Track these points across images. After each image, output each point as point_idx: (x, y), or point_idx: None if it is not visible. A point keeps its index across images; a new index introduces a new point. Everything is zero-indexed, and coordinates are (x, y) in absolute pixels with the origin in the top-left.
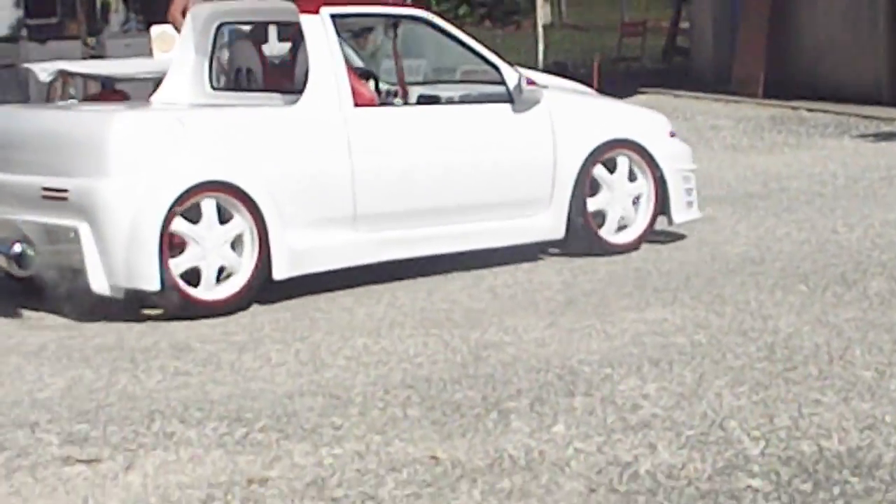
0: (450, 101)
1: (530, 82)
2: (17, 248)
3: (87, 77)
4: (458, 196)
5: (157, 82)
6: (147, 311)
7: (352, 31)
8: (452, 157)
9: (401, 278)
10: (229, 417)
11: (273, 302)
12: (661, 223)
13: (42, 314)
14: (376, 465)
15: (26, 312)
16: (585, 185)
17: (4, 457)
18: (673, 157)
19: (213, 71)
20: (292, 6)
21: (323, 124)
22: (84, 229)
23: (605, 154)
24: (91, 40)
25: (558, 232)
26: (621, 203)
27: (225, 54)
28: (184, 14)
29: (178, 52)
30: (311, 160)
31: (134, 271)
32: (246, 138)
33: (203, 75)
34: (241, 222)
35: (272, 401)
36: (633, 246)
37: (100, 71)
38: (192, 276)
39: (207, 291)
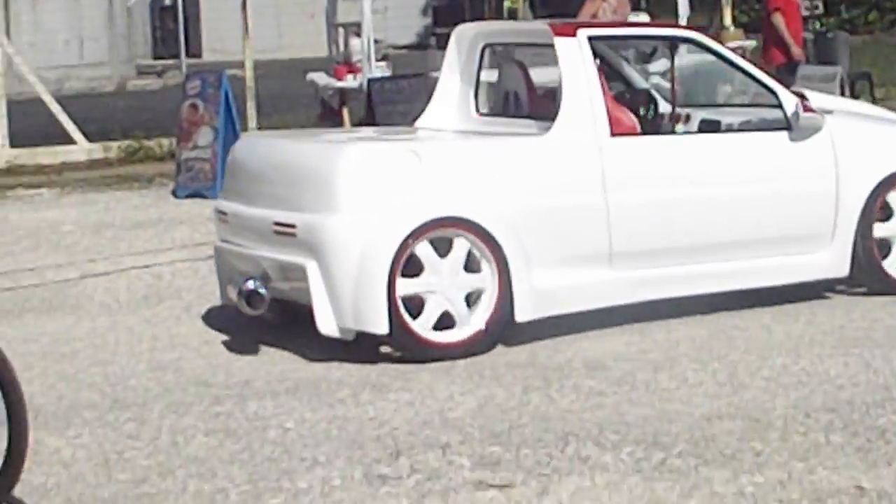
0: (729, 129)
1: (807, 108)
2: (250, 285)
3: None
4: (725, 232)
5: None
6: (384, 350)
7: (637, 52)
8: (719, 190)
9: (824, 296)
10: (646, 441)
11: (689, 315)
12: None
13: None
14: (799, 495)
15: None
16: (872, 219)
17: (415, 480)
18: None
19: (478, 95)
20: (546, 28)
21: (575, 155)
22: (311, 267)
23: (893, 186)
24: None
25: (841, 269)
26: None
27: (493, 77)
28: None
29: (443, 74)
30: (561, 194)
31: (361, 313)
32: (486, 171)
33: (469, 100)
34: (480, 260)
35: (690, 424)
36: None
37: None
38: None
39: (441, 333)
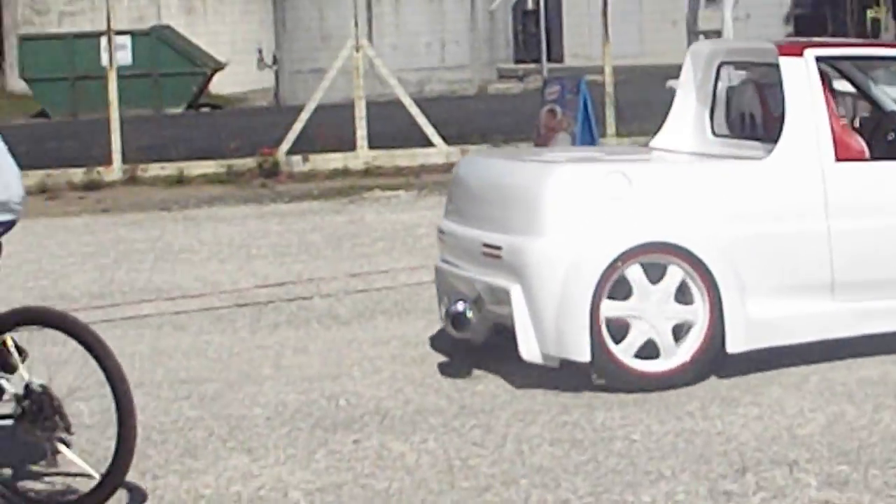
0: None
1: None
2: (459, 306)
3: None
4: None
5: None
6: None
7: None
8: None
9: None
10: None
11: None
12: None
13: None
14: None
15: None
16: None
17: (760, 497)
18: None
19: (714, 116)
20: (772, 47)
21: (796, 180)
22: (516, 291)
23: None
24: None
25: None
26: None
27: (728, 98)
28: None
29: (679, 93)
30: (780, 220)
31: (564, 340)
32: (698, 195)
33: (704, 120)
34: (692, 289)
35: None
36: None
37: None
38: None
39: (644, 362)
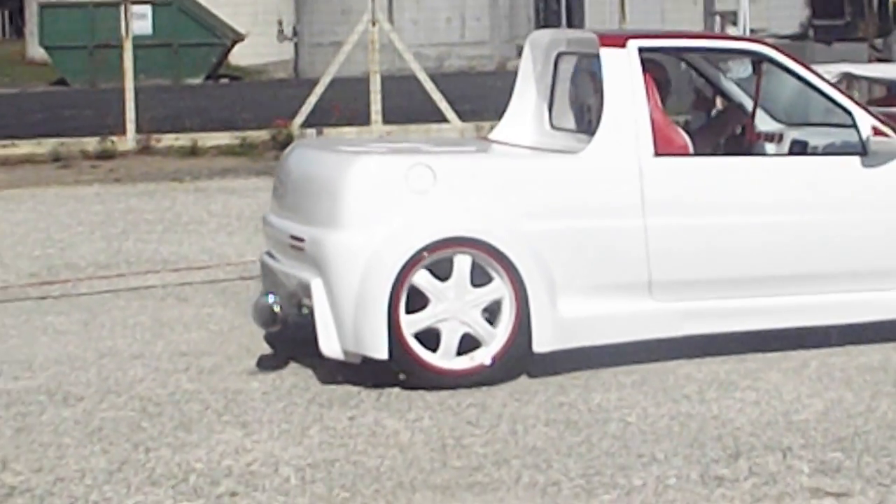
0: (814, 151)
1: (879, 132)
2: (266, 300)
3: (872, 81)
4: (783, 263)
5: None
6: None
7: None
8: (775, 217)
9: None
10: None
11: None
12: None
13: None
14: None
15: None
16: None
17: (752, 483)
18: None
19: (553, 107)
20: (593, 37)
21: (611, 175)
22: (316, 285)
23: None
24: (878, 42)
25: None
26: None
27: (567, 89)
28: None
29: (518, 84)
30: (594, 217)
31: (362, 336)
32: (508, 189)
33: (543, 112)
34: (499, 286)
35: None
36: None
37: (885, 75)
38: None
39: (448, 360)
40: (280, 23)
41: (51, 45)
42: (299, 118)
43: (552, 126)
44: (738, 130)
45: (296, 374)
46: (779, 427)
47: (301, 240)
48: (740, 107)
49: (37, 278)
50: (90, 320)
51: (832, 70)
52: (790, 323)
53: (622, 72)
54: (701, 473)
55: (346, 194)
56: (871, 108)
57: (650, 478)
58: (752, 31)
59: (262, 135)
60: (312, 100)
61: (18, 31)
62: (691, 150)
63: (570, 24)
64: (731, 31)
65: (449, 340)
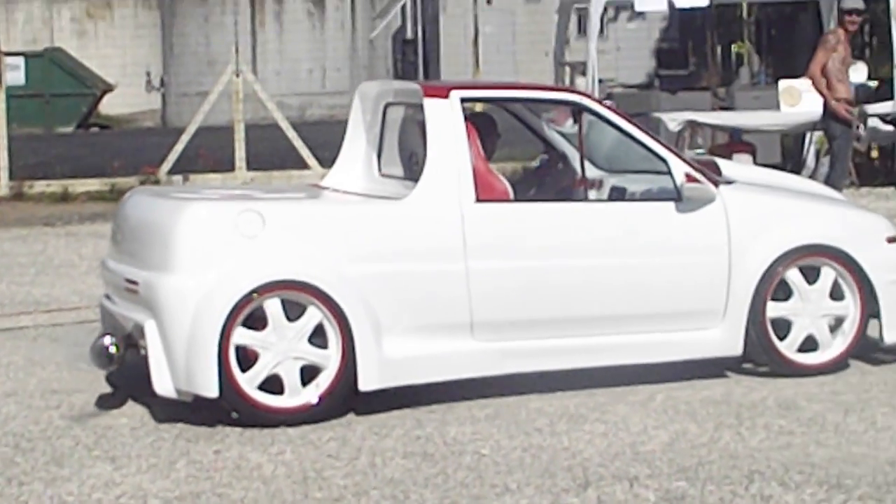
0: (632, 197)
1: (692, 178)
2: (104, 341)
3: (715, 127)
4: (601, 305)
5: (781, 135)
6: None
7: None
8: (593, 261)
9: None
10: (829, 483)
11: (886, 363)
12: None
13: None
14: None
15: None
16: (766, 296)
17: None
18: (888, 266)
19: (381, 155)
20: (418, 88)
21: (434, 220)
22: (150, 326)
23: (794, 262)
24: (721, 91)
25: (734, 348)
26: (812, 319)
27: (395, 138)
28: (824, 73)
29: (348, 132)
30: (417, 260)
31: (193, 376)
32: (333, 235)
33: (372, 160)
34: (326, 329)
35: (873, 467)
36: (825, 368)
37: (727, 122)
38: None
39: (274, 398)
40: (148, 74)
41: None
42: (166, 165)
43: (381, 173)
44: (564, 178)
45: (164, 411)
46: (626, 458)
47: (135, 283)
48: (564, 155)
49: None
50: None
51: (677, 118)
52: (609, 361)
53: (445, 121)
54: (552, 502)
55: (177, 239)
56: (686, 155)
57: None
58: (600, 81)
59: (130, 181)
60: (179, 147)
61: None
62: (511, 196)
63: (426, 75)
64: (579, 81)
65: (261, 369)
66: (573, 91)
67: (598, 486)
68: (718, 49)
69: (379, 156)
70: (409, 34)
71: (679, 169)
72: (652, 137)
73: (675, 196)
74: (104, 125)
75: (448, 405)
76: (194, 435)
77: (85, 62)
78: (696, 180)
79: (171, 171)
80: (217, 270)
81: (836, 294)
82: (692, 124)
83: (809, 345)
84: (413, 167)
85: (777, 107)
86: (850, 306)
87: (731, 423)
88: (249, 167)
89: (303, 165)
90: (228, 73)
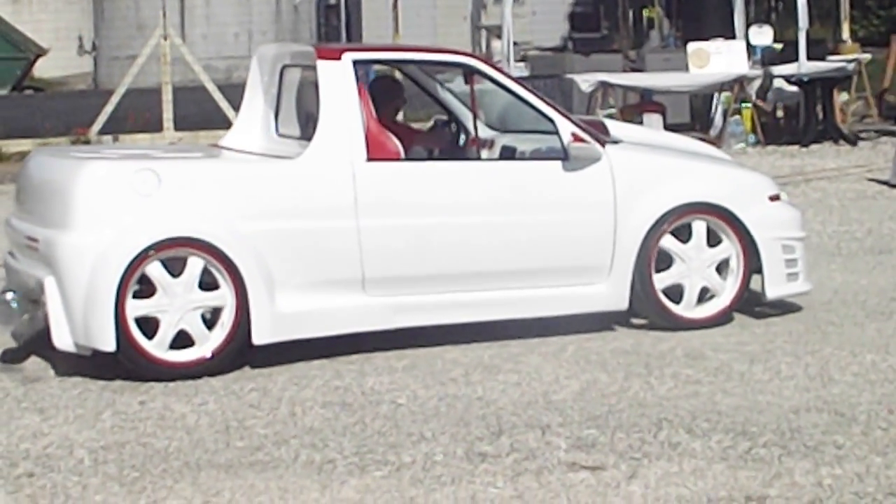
0: (522, 156)
1: (578, 138)
2: (7, 296)
3: (626, 89)
4: (489, 260)
5: (690, 96)
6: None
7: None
8: (481, 218)
9: None
10: (735, 430)
11: (788, 313)
12: None
13: None
14: (875, 489)
15: None
16: (651, 254)
17: (513, 458)
18: (769, 223)
19: (279, 116)
20: (312, 50)
21: (325, 179)
22: (49, 282)
23: (677, 220)
24: (632, 54)
25: (620, 303)
26: (700, 273)
27: (292, 99)
28: None
29: (247, 94)
30: (310, 218)
31: (91, 330)
32: (226, 193)
33: (270, 120)
34: (220, 282)
35: (778, 415)
36: (718, 319)
37: (638, 83)
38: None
39: (172, 353)
40: (80, 38)
41: None
42: (97, 126)
43: (278, 133)
44: (456, 138)
45: (89, 363)
46: (538, 406)
47: (35, 240)
48: (457, 116)
49: None
50: None
51: (589, 79)
52: (496, 316)
53: (337, 82)
54: (466, 450)
55: (75, 197)
56: (574, 116)
57: (419, 455)
58: (515, 43)
59: (62, 142)
60: (109, 109)
61: None
62: (402, 155)
63: (348, 39)
64: (495, 44)
65: (165, 333)
66: (461, 53)
67: (511, 433)
68: (630, 13)
69: (276, 116)
70: (331, 0)
71: (566, 129)
72: (539, 98)
73: (563, 155)
74: (38, 88)
75: (366, 356)
76: (120, 386)
77: (18, 27)
78: (581, 140)
79: (102, 132)
80: (114, 228)
81: (713, 241)
82: (605, 85)
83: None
84: (309, 128)
85: (686, 68)
86: (732, 251)
87: (640, 373)
88: (177, 128)
89: (228, 125)
90: (157, 36)
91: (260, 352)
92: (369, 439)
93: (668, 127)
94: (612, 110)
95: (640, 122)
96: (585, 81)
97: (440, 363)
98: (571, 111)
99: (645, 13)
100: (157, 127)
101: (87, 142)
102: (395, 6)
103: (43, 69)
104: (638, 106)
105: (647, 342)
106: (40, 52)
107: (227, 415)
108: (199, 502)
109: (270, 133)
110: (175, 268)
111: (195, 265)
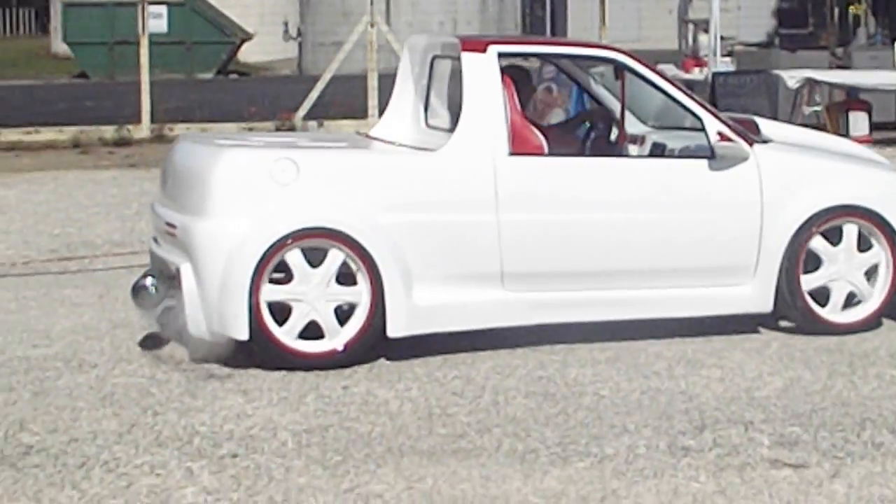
0: (671, 154)
1: (724, 137)
2: (146, 281)
3: (832, 86)
4: (631, 258)
5: None
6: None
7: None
8: (624, 215)
9: None
10: None
11: None
12: None
13: None
14: None
15: None
16: (799, 256)
17: (715, 454)
18: None
19: (429, 107)
20: (456, 42)
21: (466, 172)
22: (185, 269)
23: (826, 222)
24: (839, 51)
25: (765, 305)
26: (848, 277)
27: (442, 90)
28: None
29: (397, 84)
30: (449, 211)
31: (225, 319)
32: (366, 184)
33: (419, 111)
34: (355, 273)
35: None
36: (864, 325)
37: (844, 80)
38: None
39: (306, 343)
40: (286, 23)
41: (73, 41)
42: (302, 111)
43: (428, 125)
44: (606, 132)
45: None
46: (741, 402)
47: (174, 226)
48: (608, 110)
49: (56, 254)
50: (105, 294)
51: (795, 75)
52: (639, 315)
53: (481, 75)
54: (669, 444)
55: (213, 185)
56: (724, 114)
57: (622, 447)
58: (722, 38)
59: (267, 126)
60: (314, 94)
61: (43, 28)
62: (546, 150)
63: (553, 30)
64: (702, 38)
65: (296, 321)
66: (609, 48)
67: (714, 429)
68: (836, 10)
69: (426, 108)
70: None
71: (713, 127)
72: (687, 95)
73: (710, 154)
74: (242, 72)
75: (569, 347)
76: (323, 371)
77: (225, 11)
78: (728, 139)
79: (307, 117)
80: (251, 216)
81: (863, 246)
82: (810, 82)
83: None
84: (456, 120)
85: (893, 67)
86: (882, 256)
87: (844, 372)
88: (381, 115)
89: None
90: (363, 23)
91: (457, 340)
92: (572, 430)
93: (873, 125)
94: (818, 107)
95: (846, 120)
96: (792, 78)
97: (643, 356)
98: (777, 107)
99: (851, 10)
100: (362, 114)
101: (293, 127)
102: None
103: (247, 54)
104: (844, 104)
105: (852, 341)
106: (246, 37)
107: (429, 402)
108: (401, 487)
109: (420, 124)
110: (315, 259)
111: (335, 258)
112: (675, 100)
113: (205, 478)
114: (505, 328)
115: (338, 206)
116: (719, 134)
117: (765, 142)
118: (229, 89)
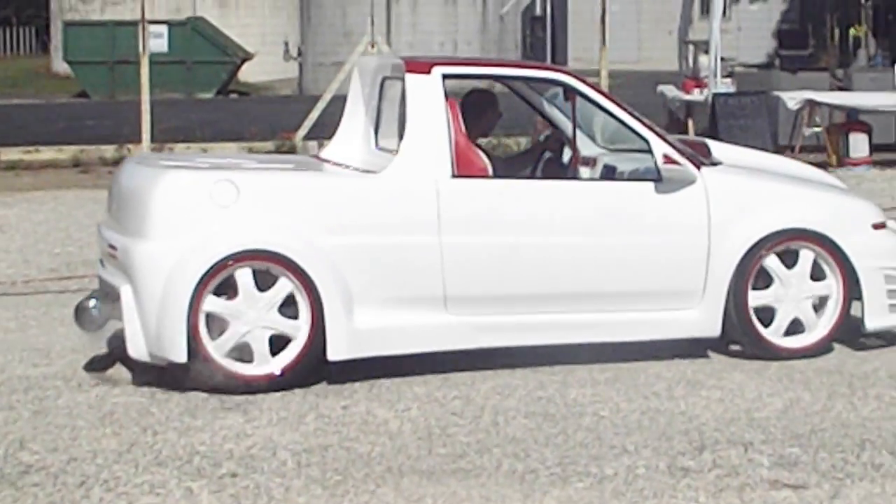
0: (620, 176)
1: (670, 160)
2: (88, 303)
3: (832, 107)
4: (575, 282)
5: None
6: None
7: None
8: (568, 239)
9: None
10: None
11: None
12: None
13: None
14: None
15: None
16: (748, 280)
17: (715, 474)
18: (872, 252)
19: (379, 129)
20: (401, 63)
21: (408, 194)
22: (125, 291)
23: (774, 246)
24: (839, 72)
25: (712, 329)
26: (796, 303)
27: (391, 112)
28: None
29: (347, 106)
30: (391, 233)
31: (163, 341)
32: (306, 206)
33: (370, 133)
34: (297, 299)
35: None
36: (808, 352)
37: (845, 102)
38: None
39: (244, 366)
40: (286, 43)
41: (74, 61)
42: (302, 131)
43: (377, 147)
44: (560, 155)
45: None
46: (741, 423)
47: (115, 248)
48: (562, 133)
49: (56, 273)
50: None
51: (796, 96)
52: (585, 338)
53: (425, 96)
54: (668, 464)
55: (153, 206)
56: (672, 136)
57: (621, 467)
58: (722, 59)
59: (267, 146)
60: (314, 114)
61: (44, 47)
62: (490, 172)
63: (553, 51)
64: (703, 59)
65: (229, 338)
66: (556, 69)
67: (714, 449)
68: (837, 32)
69: (376, 129)
70: (538, 11)
71: (659, 150)
72: (634, 117)
73: (657, 176)
74: (243, 92)
75: (569, 368)
76: (322, 390)
77: (226, 31)
78: (674, 161)
79: (307, 137)
80: (190, 238)
81: (817, 275)
82: (811, 103)
83: (794, 328)
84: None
85: (893, 88)
86: (833, 288)
87: (844, 393)
88: None
89: None
90: (364, 43)
91: (458, 361)
92: (572, 450)
93: (873, 147)
94: (818, 129)
95: (847, 142)
96: (792, 99)
97: (643, 377)
98: (777, 128)
99: (851, 32)
100: None
101: (293, 147)
102: (602, 19)
103: (248, 73)
104: (844, 125)
105: (851, 362)
106: (246, 57)
107: (429, 422)
108: None
109: (370, 146)
110: (264, 283)
111: (283, 287)
112: (621, 122)
113: (204, 497)
114: (447, 351)
115: (277, 229)
116: (665, 156)
117: (714, 164)
118: (229, 109)
